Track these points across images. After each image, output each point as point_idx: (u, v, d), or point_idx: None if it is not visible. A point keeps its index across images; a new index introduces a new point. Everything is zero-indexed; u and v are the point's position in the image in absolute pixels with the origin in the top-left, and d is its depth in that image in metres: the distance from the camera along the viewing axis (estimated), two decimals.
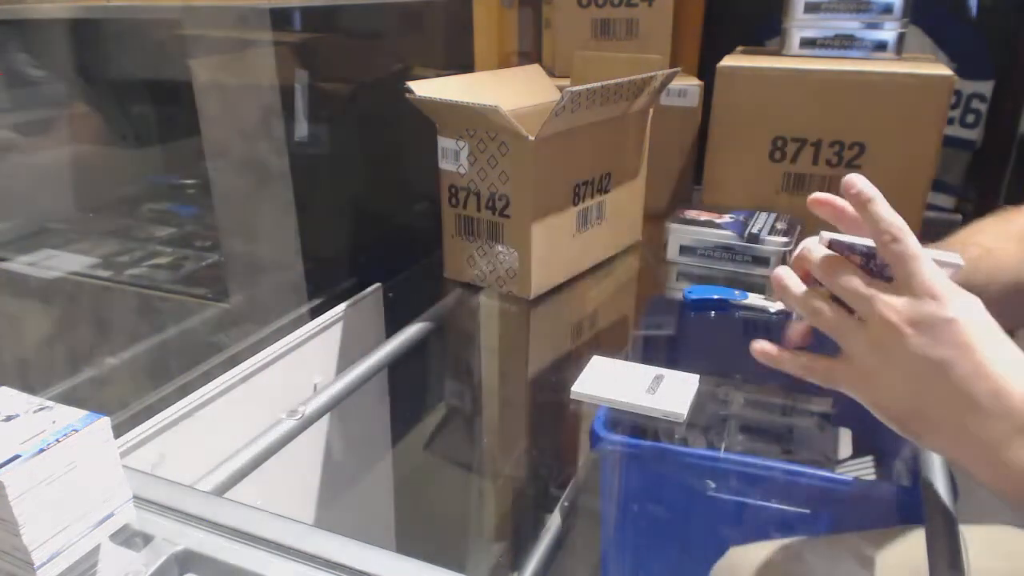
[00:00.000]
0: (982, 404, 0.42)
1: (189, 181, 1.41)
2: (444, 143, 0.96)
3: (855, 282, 0.45)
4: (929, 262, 0.44)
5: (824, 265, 0.47)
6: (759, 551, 0.70)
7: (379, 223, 1.20)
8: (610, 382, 0.80)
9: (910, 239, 0.44)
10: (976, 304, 0.44)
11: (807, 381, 0.51)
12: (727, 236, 1.05)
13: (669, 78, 1.03)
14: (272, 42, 0.94)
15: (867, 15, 1.12)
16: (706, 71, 1.18)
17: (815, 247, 0.49)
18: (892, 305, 0.44)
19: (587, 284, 1.05)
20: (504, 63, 1.49)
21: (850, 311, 0.47)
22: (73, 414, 0.44)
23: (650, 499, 0.81)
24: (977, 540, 0.58)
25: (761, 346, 0.52)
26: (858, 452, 0.91)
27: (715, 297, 0.99)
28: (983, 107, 1.40)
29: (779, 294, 0.50)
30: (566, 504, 0.81)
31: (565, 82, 1.14)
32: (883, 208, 0.45)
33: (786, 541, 0.70)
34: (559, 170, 0.95)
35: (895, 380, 0.45)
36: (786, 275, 0.50)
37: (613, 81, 0.91)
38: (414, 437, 1.15)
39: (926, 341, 0.43)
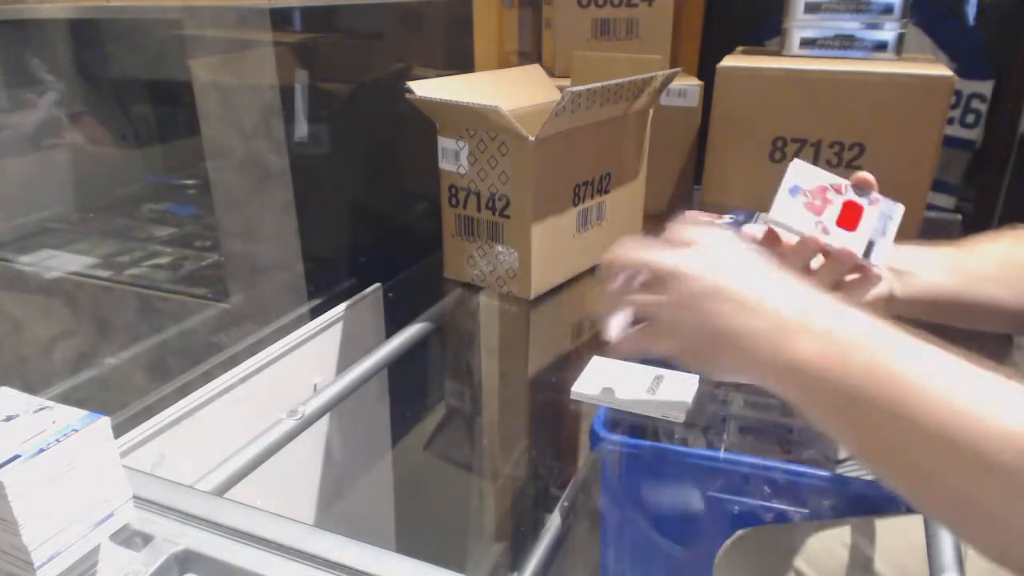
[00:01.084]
0: (752, 311, 0.47)
1: (189, 181, 1.41)
2: (444, 143, 0.96)
3: (644, 252, 0.52)
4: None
5: (624, 253, 0.53)
6: (766, 533, 0.70)
7: (379, 223, 1.20)
8: (610, 382, 0.79)
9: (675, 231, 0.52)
10: (734, 240, 0.52)
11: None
12: None
13: (669, 78, 1.03)
14: (272, 42, 0.94)
15: (867, 15, 1.11)
16: (706, 71, 1.18)
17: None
18: (672, 254, 0.50)
19: (587, 284, 1.05)
20: (504, 63, 1.49)
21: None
22: (73, 414, 0.44)
23: (650, 499, 0.81)
24: None
25: (608, 338, 0.57)
26: None
27: None
28: (983, 107, 1.40)
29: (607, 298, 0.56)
30: (566, 504, 0.81)
31: (565, 82, 1.14)
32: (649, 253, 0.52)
33: (793, 524, 0.70)
34: (559, 170, 0.95)
35: (687, 317, 0.50)
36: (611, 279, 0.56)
37: (613, 81, 0.91)
38: (414, 437, 1.15)
39: (704, 272, 0.49)
